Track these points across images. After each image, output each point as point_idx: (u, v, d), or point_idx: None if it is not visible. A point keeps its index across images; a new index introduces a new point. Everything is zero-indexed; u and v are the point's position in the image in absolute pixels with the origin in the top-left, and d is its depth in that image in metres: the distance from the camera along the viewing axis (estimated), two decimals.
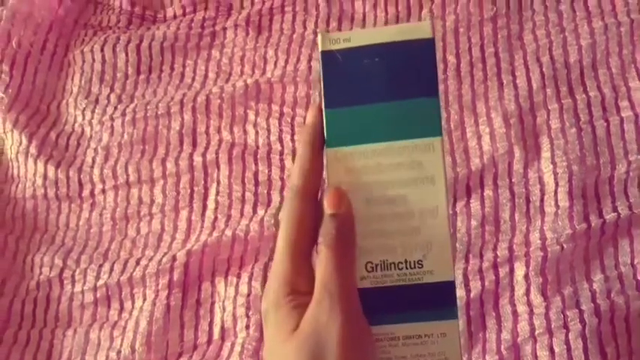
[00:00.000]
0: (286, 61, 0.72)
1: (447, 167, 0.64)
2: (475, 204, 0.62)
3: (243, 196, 0.67)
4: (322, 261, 0.35)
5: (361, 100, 0.37)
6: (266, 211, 0.66)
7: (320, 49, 0.38)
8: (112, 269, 0.67)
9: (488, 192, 0.62)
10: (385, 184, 0.36)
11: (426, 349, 0.35)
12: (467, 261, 0.60)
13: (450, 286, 0.35)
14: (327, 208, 0.35)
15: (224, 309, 0.63)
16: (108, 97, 0.75)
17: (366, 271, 0.36)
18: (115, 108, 0.74)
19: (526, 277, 0.58)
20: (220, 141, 0.70)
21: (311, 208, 0.36)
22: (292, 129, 0.69)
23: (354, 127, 0.37)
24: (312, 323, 0.33)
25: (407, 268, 0.35)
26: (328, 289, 0.34)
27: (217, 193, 0.68)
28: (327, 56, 0.37)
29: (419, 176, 0.36)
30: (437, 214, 0.35)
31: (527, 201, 0.61)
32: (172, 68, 0.76)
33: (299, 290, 0.35)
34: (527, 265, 0.58)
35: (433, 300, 0.35)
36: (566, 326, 0.56)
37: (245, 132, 0.70)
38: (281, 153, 0.68)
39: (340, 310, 0.33)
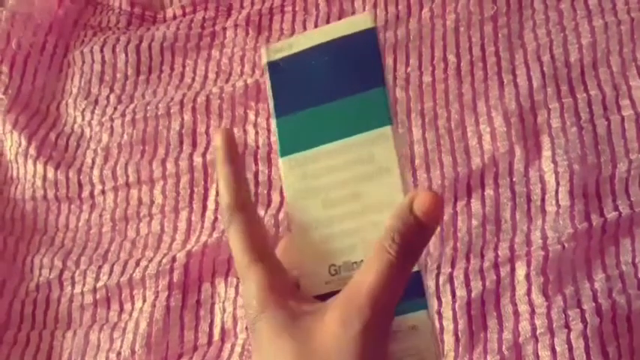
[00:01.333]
0: None
1: (448, 167, 0.63)
2: (476, 203, 0.62)
3: None
4: (380, 263, 0.32)
5: (309, 104, 0.36)
6: (266, 212, 0.65)
7: (264, 62, 0.37)
8: (111, 270, 0.67)
9: (489, 191, 0.62)
10: (341, 184, 0.35)
11: (396, 345, 0.33)
12: (468, 261, 0.60)
13: (417, 276, 0.33)
14: (418, 210, 0.32)
15: (224, 310, 0.63)
16: (107, 97, 0.75)
17: (330, 275, 0.34)
18: (115, 108, 0.74)
19: (527, 276, 0.58)
20: None
21: (251, 216, 0.35)
22: None
23: (305, 132, 0.36)
24: (331, 340, 0.31)
25: None
26: (373, 299, 0.31)
27: (217, 193, 0.68)
28: (272, 67, 0.37)
29: (372, 169, 0.35)
30: (394, 205, 0.33)
31: (528, 200, 0.61)
32: (172, 68, 0.76)
33: (279, 288, 0.34)
34: (529, 265, 0.58)
35: None
36: (567, 326, 0.56)
37: (245, 132, 0.70)
38: None
39: (375, 335, 0.31)
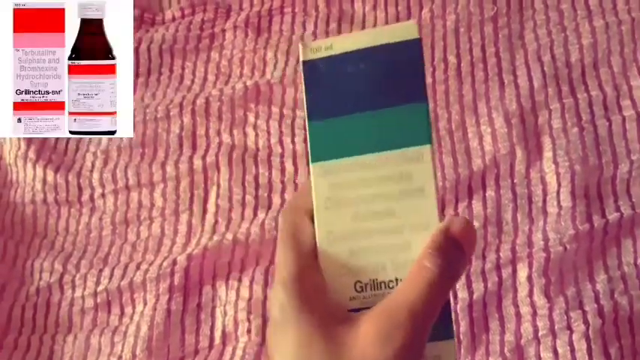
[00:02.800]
0: (286, 63, 0.72)
1: (449, 168, 0.63)
2: (477, 205, 0.61)
3: (243, 199, 0.67)
4: (421, 280, 0.32)
5: (346, 111, 0.35)
6: (267, 214, 0.65)
7: (301, 60, 0.36)
8: (112, 274, 0.66)
9: (490, 193, 0.62)
10: (373, 198, 0.34)
11: None
12: (469, 263, 0.59)
13: (446, 303, 0.33)
14: (456, 234, 0.32)
15: (225, 313, 0.63)
16: None
17: (355, 291, 0.34)
18: None
19: (529, 278, 0.58)
20: (220, 144, 0.70)
21: (307, 220, 0.35)
22: (292, 131, 0.69)
23: (339, 139, 0.35)
24: (367, 355, 0.31)
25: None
26: (414, 316, 0.31)
27: (218, 196, 0.68)
28: (309, 66, 0.35)
29: (408, 188, 0.34)
30: (428, 228, 0.33)
31: (530, 201, 0.61)
32: (171, 71, 0.75)
33: (310, 289, 0.33)
34: (530, 266, 0.58)
35: None
36: (569, 327, 0.56)
37: (245, 134, 0.70)
38: (281, 155, 0.68)
39: (413, 354, 0.31)
